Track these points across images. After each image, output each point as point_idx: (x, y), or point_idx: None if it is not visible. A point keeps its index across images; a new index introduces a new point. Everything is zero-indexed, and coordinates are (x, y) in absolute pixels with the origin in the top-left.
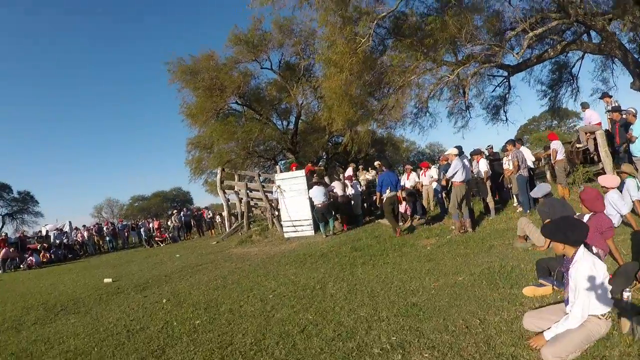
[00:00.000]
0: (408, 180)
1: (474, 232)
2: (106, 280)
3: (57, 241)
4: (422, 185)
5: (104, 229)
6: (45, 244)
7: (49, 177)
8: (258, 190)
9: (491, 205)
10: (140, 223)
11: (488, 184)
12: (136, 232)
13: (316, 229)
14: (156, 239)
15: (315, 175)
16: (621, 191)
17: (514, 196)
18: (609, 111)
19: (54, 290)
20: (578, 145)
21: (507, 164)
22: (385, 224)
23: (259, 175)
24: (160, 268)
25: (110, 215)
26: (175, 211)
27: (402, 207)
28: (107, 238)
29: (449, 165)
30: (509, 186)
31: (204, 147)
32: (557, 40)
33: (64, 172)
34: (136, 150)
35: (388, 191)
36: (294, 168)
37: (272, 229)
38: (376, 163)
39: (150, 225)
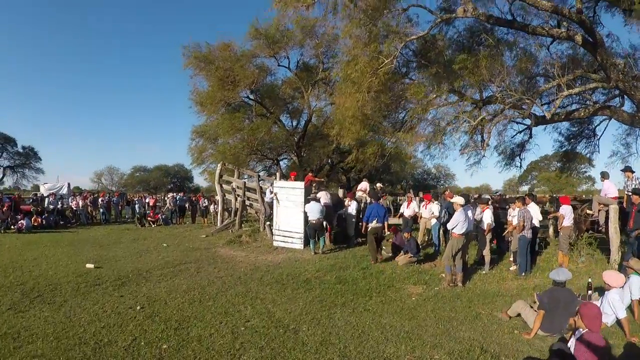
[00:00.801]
0: (408, 209)
1: (464, 288)
2: (88, 265)
3: (52, 206)
4: (420, 217)
5: (99, 200)
6: (39, 208)
7: (55, 136)
8: (255, 191)
9: (487, 258)
10: (136, 199)
11: (489, 236)
12: (130, 207)
13: (306, 243)
14: (148, 218)
15: (314, 185)
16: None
17: (512, 253)
18: (629, 192)
19: (35, 268)
20: (588, 212)
21: (512, 219)
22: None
23: (259, 177)
24: (144, 259)
25: (110, 182)
26: (171, 194)
27: (398, 239)
28: (101, 210)
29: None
30: (509, 239)
31: (208, 138)
32: (589, 101)
33: (71, 133)
34: (144, 121)
35: (375, 222)
36: (293, 177)
37: (262, 233)
38: (378, 185)
39: (147, 200)
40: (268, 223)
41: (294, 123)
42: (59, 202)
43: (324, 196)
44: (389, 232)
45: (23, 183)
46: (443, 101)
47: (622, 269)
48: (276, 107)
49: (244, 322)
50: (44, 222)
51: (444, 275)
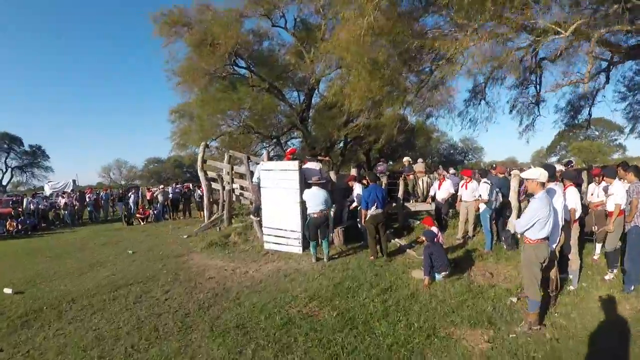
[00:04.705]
0: (440, 191)
1: (555, 327)
2: (6, 290)
3: (32, 207)
4: (460, 200)
5: (87, 197)
6: (20, 209)
7: (63, 133)
8: (246, 177)
9: (575, 264)
10: (130, 193)
11: (575, 228)
12: (123, 204)
13: (306, 245)
14: (137, 215)
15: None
16: None
17: (608, 254)
18: None
19: None
20: None
21: (597, 196)
22: (415, 275)
23: (248, 159)
24: (87, 276)
25: (118, 176)
26: (161, 186)
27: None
28: (88, 208)
29: (506, 180)
30: (594, 229)
31: (191, 117)
32: None
33: (79, 129)
34: (157, 112)
35: (374, 208)
36: (289, 156)
37: (254, 230)
38: (405, 159)
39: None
40: (257, 219)
41: (301, 97)
42: (40, 203)
43: (314, 166)
44: (418, 223)
45: (33, 183)
46: (485, 33)
47: None
48: (274, 76)
49: None
50: (19, 227)
51: (517, 300)
